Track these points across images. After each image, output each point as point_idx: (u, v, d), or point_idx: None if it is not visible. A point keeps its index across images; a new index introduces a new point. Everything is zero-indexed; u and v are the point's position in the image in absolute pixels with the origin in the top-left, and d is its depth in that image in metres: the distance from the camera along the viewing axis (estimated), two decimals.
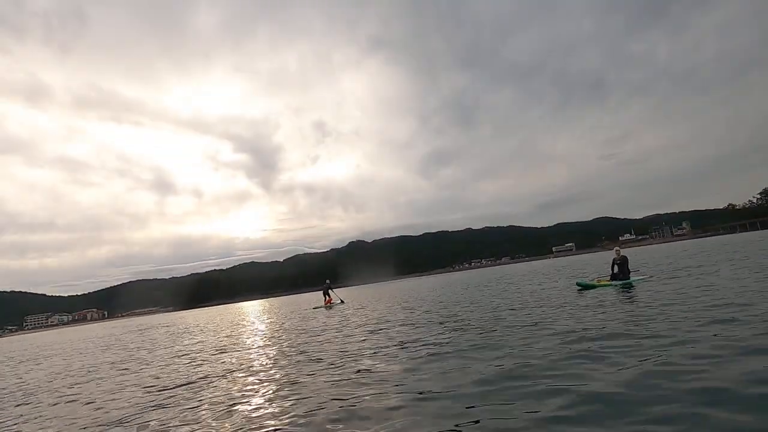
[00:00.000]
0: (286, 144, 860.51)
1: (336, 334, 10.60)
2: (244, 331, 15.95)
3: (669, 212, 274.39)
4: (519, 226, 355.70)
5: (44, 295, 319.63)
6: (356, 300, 27.76)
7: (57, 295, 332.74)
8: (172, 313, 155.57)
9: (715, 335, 5.15)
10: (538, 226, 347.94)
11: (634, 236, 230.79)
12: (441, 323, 9.82)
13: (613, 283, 12.83)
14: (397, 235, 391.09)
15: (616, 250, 13.76)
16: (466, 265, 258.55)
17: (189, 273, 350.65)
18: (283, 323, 17.46)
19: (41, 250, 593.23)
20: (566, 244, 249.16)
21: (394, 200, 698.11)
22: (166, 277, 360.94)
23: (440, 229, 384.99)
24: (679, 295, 8.99)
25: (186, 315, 68.21)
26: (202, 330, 20.66)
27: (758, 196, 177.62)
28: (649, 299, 9.07)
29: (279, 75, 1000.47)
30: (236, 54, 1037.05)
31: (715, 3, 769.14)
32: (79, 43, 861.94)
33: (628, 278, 13.07)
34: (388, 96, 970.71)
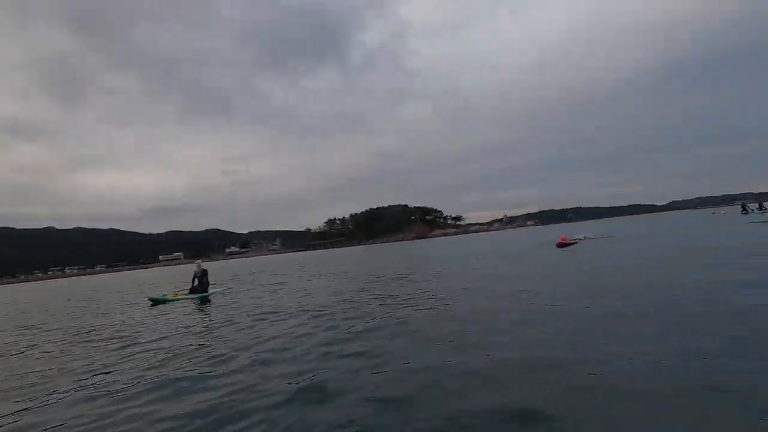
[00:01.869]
0: None
1: None
2: None
3: (267, 230, 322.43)
4: (124, 230, 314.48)
5: None
6: None
7: None
8: None
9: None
10: (147, 232, 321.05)
11: (239, 249, 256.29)
12: None
13: (190, 296, 12.98)
14: None
15: (197, 264, 14.11)
16: (39, 275, 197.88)
17: None
18: None
19: None
20: (175, 253, 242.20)
21: None
22: None
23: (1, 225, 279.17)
24: (239, 306, 10.14)
25: None
26: None
27: (324, 225, 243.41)
28: (215, 311, 9.72)
29: None
30: None
31: (315, 69, 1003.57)
32: None
33: (207, 291, 13.64)
34: None
